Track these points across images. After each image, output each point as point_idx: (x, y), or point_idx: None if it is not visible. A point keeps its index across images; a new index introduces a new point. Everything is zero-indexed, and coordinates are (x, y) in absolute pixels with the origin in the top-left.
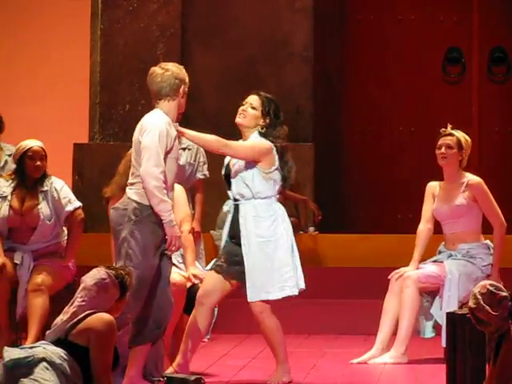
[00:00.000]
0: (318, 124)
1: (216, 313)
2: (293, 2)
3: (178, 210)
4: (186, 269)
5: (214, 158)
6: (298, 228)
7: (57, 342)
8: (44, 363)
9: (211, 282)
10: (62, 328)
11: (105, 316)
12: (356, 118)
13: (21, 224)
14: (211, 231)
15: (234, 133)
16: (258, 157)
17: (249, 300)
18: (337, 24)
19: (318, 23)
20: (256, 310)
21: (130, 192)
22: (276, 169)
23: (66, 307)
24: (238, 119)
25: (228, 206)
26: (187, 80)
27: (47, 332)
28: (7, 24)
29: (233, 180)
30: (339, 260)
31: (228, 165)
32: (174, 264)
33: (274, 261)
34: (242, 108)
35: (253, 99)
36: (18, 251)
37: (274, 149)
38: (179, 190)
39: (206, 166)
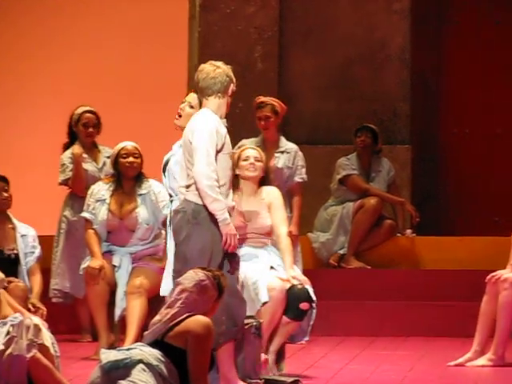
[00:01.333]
0: (414, 126)
1: (314, 315)
2: (390, 4)
3: (274, 212)
4: (285, 271)
5: (312, 162)
6: (395, 230)
7: (153, 344)
8: (141, 365)
9: None
10: (161, 329)
11: (202, 318)
12: (453, 120)
13: (119, 227)
14: (308, 234)
15: (331, 136)
16: None
17: (161, 294)
18: (434, 26)
19: (415, 25)
20: None
21: (188, 194)
22: None
23: (163, 308)
24: (175, 121)
25: (169, 202)
26: (235, 80)
27: (145, 333)
28: (105, 32)
29: (166, 175)
30: (436, 262)
31: (168, 161)
32: (272, 267)
33: None
34: (180, 107)
35: (191, 98)
36: (117, 254)
37: None
38: (276, 193)
39: (304, 169)
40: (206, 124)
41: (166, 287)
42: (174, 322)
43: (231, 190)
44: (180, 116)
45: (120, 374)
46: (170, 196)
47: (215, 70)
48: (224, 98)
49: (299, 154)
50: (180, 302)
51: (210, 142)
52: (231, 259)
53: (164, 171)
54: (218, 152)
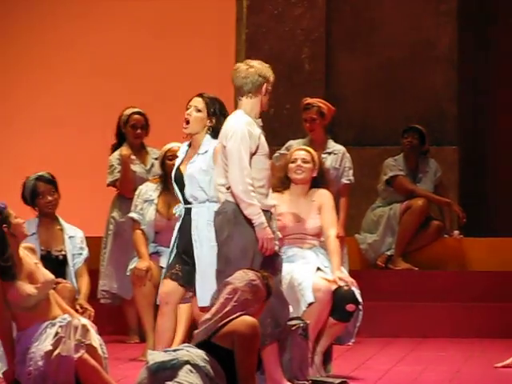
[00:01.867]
0: (462, 127)
1: (360, 317)
2: (438, 5)
3: (324, 214)
4: (332, 273)
5: (360, 163)
6: (442, 231)
7: (200, 345)
8: (188, 366)
9: (170, 286)
10: (212, 328)
11: (248, 319)
12: (501, 121)
13: (167, 228)
14: (356, 235)
15: (378, 137)
16: None
17: (199, 305)
18: (481, 26)
19: (462, 26)
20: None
21: (228, 195)
22: None
23: (213, 308)
24: (183, 130)
25: (179, 210)
26: (272, 79)
27: (194, 332)
28: (153, 37)
29: (186, 182)
30: (484, 263)
31: (178, 168)
32: (319, 268)
33: None
34: (186, 113)
35: (197, 102)
36: (164, 255)
37: None
38: (327, 195)
39: (351, 171)
40: (237, 127)
41: (202, 297)
42: (224, 321)
43: (270, 190)
44: (188, 123)
45: (167, 375)
46: (189, 203)
47: (247, 70)
48: (257, 98)
49: (346, 156)
50: (233, 300)
51: (242, 146)
52: (274, 260)
53: (176, 180)
54: (252, 154)
